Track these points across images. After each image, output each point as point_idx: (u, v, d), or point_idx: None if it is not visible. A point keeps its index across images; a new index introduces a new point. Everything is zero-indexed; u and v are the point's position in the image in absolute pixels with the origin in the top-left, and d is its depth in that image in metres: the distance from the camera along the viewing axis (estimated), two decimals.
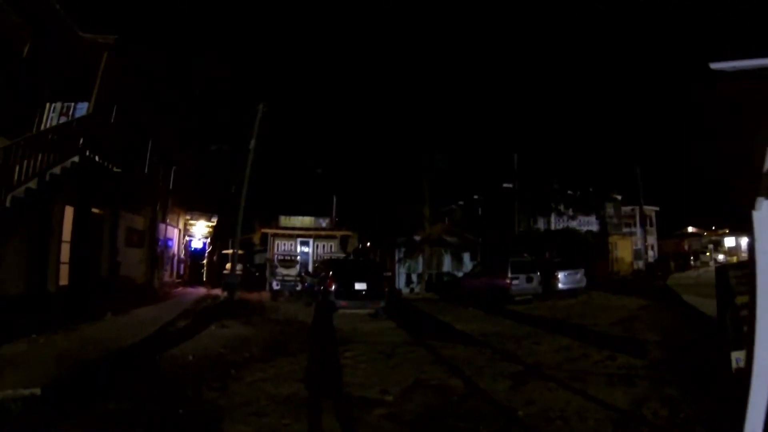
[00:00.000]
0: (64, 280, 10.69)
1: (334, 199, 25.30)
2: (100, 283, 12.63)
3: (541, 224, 30.82)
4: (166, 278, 18.87)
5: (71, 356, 6.10)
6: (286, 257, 21.28)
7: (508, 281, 14.74)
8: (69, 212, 10.47)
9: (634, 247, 33.80)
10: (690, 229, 41.23)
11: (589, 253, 24.92)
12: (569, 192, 30.92)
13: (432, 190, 23.75)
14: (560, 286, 16.09)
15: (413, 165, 24.99)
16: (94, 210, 12.47)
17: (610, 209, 32.36)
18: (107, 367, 5.96)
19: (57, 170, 8.55)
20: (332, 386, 5.64)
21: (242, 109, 17.61)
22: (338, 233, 24.46)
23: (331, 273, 12.72)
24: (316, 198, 26.41)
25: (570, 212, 31.13)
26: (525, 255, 19.20)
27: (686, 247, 38.54)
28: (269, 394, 5.12)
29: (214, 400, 4.89)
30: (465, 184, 31.68)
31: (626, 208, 34.44)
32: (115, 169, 11.62)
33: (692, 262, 31.84)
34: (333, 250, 24.32)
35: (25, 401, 4.32)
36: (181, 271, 21.28)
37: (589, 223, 31.04)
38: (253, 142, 16.73)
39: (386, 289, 13.23)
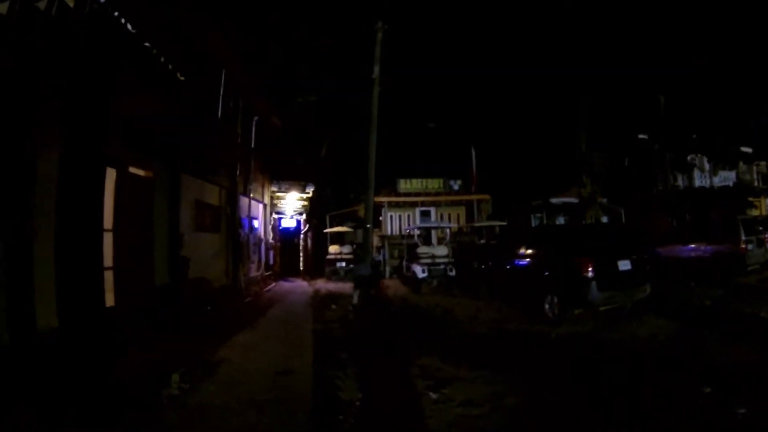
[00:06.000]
0: (110, 302, 5.33)
1: (473, 153, 18.39)
2: (154, 300, 7.17)
3: (680, 182, 26.53)
4: (253, 273, 13.55)
5: None
6: (426, 231, 15.40)
7: (743, 246, 11.12)
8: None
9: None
10: None
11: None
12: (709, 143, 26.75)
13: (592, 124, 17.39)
14: None
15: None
16: (134, 169, 6.89)
17: (743, 165, 27.32)
18: None
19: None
20: None
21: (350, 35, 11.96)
22: (474, 197, 18.12)
23: (576, 249, 7.35)
24: (439, 155, 19.87)
25: (708, 167, 26.75)
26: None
27: None
28: None
29: None
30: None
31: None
32: (178, 76, 5.75)
33: None
34: (459, 221, 18.23)
35: None
36: (271, 261, 15.91)
37: (726, 180, 26.69)
38: (376, 70, 11.45)
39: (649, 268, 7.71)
